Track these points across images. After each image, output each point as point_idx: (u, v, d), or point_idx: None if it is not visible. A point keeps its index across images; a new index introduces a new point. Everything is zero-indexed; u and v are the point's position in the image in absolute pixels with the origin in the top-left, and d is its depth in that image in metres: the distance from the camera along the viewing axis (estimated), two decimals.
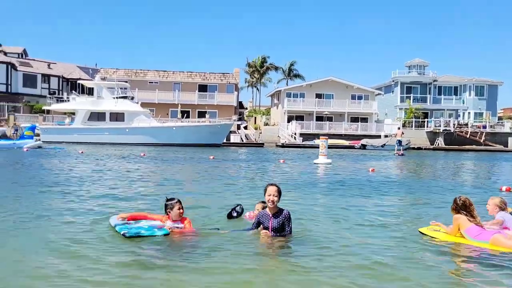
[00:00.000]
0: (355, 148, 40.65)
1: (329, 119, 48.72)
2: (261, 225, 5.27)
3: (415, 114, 49.85)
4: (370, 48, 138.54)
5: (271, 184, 5.21)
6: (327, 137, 21.44)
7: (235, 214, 6.33)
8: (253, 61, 61.60)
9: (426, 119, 49.76)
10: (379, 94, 53.28)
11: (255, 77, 62.12)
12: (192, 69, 55.06)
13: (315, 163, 19.41)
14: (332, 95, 49.55)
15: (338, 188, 10.60)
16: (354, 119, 49.15)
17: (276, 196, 5.10)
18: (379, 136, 44.08)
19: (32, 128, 29.50)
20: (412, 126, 48.03)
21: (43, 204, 7.38)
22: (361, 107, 49.26)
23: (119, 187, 10.03)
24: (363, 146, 41.12)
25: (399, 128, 38.30)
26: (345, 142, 42.50)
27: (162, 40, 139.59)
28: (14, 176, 12.34)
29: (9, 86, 47.46)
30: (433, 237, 5.42)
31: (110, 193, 8.88)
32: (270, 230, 5.14)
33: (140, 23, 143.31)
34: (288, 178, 12.81)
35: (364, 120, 49.27)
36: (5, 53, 50.86)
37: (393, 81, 54.86)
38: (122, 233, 5.16)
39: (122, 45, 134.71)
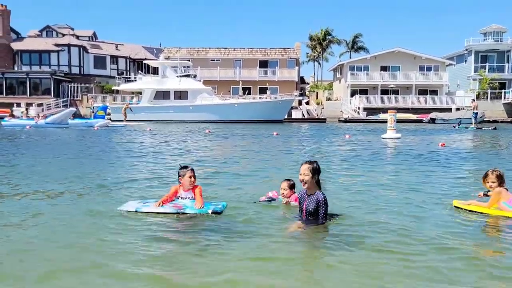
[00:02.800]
0: (423, 122, 38.72)
1: (395, 92, 46.61)
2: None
3: (491, 85, 46.29)
4: (440, 16, 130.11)
5: (305, 162, 4.65)
6: (395, 111, 20.43)
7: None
8: (315, 34, 60.02)
9: (503, 90, 46.02)
10: (450, 64, 49.91)
11: (317, 51, 60.63)
12: (253, 45, 54.88)
13: (382, 138, 18.63)
14: (399, 67, 47.22)
15: (410, 164, 9.99)
16: (423, 92, 46.64)
17: (307, 175, 4.52)
18: (449, 109, 41.60)
19: (104, 108, 30.90)
20: (487, 98, 44.74)
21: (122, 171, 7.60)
22: (430, 78, 46.59)
23: (192, 162, 10.16)
24: (432, 120, 39.04)
25: (473, 100, 35.75)
26: (413, 116, 40.58)
27: (222, 17, 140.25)
28: (87, 149, 12.94)
29: (82, 68, 50.03)
30: (470, 210, 5.16)
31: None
32: (304, 212, 4.66)
33: (200, 1, 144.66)
34: (356, 154, 12.33)
35: (434, 92, 46.61)
36: (77, 37, 53.48)
37: (466, 49, 51.09)
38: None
39: (184, 24, 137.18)
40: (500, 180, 5.08)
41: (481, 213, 5.07)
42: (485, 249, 4.05)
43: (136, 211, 5.06)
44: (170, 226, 4.67)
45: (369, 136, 20.59)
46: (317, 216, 4.55)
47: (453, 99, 44.06)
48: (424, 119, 39.63)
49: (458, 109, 41.51)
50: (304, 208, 4.66)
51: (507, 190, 5.10)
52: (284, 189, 5.53)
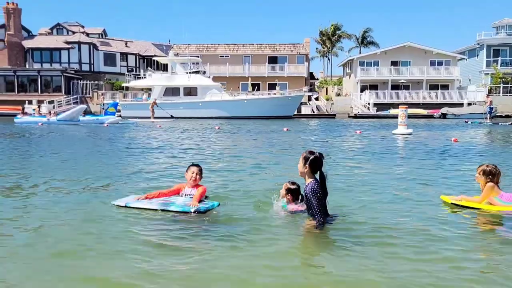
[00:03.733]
0: (434, 118, 38.36)
1: (406, 87, 46.22)
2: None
3: (503, 79, 45.67)
4: (452, 10, 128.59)
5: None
6: (407, 106, 20.24)
7: None
8: (324, 30, 59.69)
9: None
10: (461, 59, 49.34)
11: (326, 46, 60.31)
12: (262, 41, 54.74)
13: (394, 134, 18.49)
14: (409, 62, 46.79)
15: (422, 159, 9.91)
16: (433, 87, 46.20)
17: (299, 163, 4.51)
18: (461, 104, 41.12)
19: (115, 105, 31.09)
20: (499, 93, 44.16)
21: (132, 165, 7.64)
22: (441, 73, 46.11)
23: (203, 158, 10.17)
24: (443, 115, 38.64)
25: (488, 95, 35.25)
26: (423, 111, 40.21)
27: (231, 13, 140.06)
28: (94, 146, 13.02)
29: (92, 65, 50.35)
30: (462, 205, 5.16)
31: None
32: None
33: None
34: (368, 150, 12.25)
35: (445, 87, 46.12)
36: (87, 34, 53.81)
37: (478, 44, 50.45)
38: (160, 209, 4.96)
39: (193, 21, 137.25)
40: (488, 175, 5.09)
41: (474, 208, 5.09)
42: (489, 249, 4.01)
43: (126, 206, 5.09)
44: (169, 222, 4.66)
45: (380, 132, 20.46)
46: (311, 209, 4.40)
47: (464, 94, 43.57)
48: (435, 114, 39.25)
49: (469, 104, 41.02)
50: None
51: (497, 185, 5.12)
52: (285, 189, 5.03)
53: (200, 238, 4.08)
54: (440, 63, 46.88)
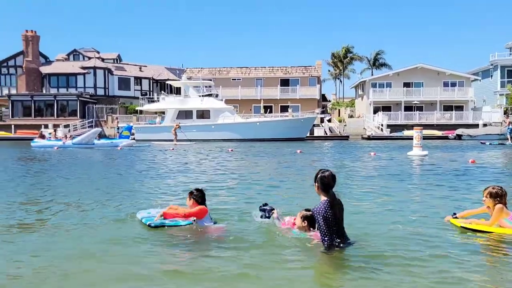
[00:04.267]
0: (449, 139, 37.89)
1: (419, 108, 45.93)
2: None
3: None
4: (463, 31, 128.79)
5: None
6: (422, 127, 20.02)
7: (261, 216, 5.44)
8: (336, 52, 60.11)
9: None
10: (475, 79, 49.02)
11: (338, 68, 60.60)
12: (274, 64, 55.18)
13: (409, 155, 18.26)
14: (422, 83, 46.60)
15: (439, 181, 9.71)
16: (447, 108, 45.81)
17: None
18: (476, 125, 40.63)
19: (129, 128, 31.33)
20: None
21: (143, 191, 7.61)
22: (455, 94, 45.76)
23: (216, 180, 10.12)
24: (459, 136, 38.15)
25: (508, 116, 34.74)
26: (438, 133, 39.77)
27: (243, 37, 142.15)
28: (105, 168, 13.08)
29: (107, 90, 51.20)
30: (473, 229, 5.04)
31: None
32: None
33: (220, 22, 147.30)
34: (383, 172, 12.08)
35: (459, 108, 45.70)
36: (102, 59, 54.94)
37: (491, 64, 50.17)
38: (147, 224, 5.38)
39: (205, 45, 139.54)
40: (496, 197, 5.01)
41: (485, 231, 4.97)
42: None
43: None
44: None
45: (394, 153, 20.21)
46: (319, 230, 4.32)
47: (479, 114, 43.08)
48: (450, 135, 38.78)
49: (485, 125, 40.51)
50: None
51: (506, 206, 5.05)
52: (302, 218, 4.92)
53: (210, 258, 4.00)
54: (453, 84, 46.61)
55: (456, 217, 5.41)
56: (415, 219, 5.80)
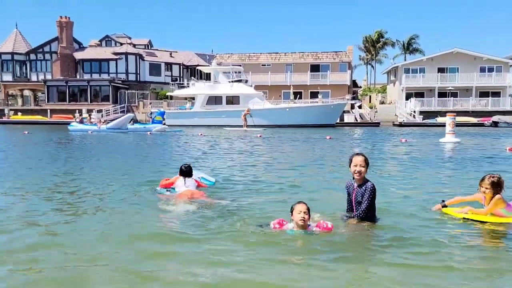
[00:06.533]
0: (485, 126, 36.69)
1: (454, 94, 44.57)
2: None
3: None
4: (502, 14, 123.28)
5: (358, 154, 4.82)
6: (455, 114, 19.47)
7: None
8: (368, 37, 58.81)
9: None
10: None
11: (370, 53, 59.36)
12: (304, 49, 54.57)
13: (441, 142, 17.83)
14: (457, 68, 45.11)
15: (471, 168, 9.46)
16: (483, 94, 44.25)
17: (363, 167, 4.68)
18: None
19: (162, 114, 31.66)
20: None
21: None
22: (492, 80, 44.11)
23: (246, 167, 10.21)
24: (495, 124, 36.88)
25: None
26: (473, 120, 38.59)
27: (274, 22, 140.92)
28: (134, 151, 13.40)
29: (138, 75, 52.04)
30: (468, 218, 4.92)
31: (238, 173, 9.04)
32: (353, 201, 4.80)
33: (250, 7, 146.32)
34: (413, 158, 11.86)
35: (496, 94, 44.07)
36: (134, 45, 55.75)
37: None
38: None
39: (235, 31, 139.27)
40: (496, 187, 4.87)
41: (479, 221, 4.85)
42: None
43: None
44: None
45: (426, 140, 19.78)
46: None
47: None
48: (486, 122, 37.54)
49: None
50: (353, 199, 4.80)
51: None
52: (304, 212, 4.34)
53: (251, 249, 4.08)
54: (490, 69, 44.90)
55: (445, 205, 5.27)
56: (425, 205, 5.71)
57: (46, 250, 3.90)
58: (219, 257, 3.68)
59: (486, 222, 4.80)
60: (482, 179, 5.00)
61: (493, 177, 4.93)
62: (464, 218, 4.97)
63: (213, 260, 3.64)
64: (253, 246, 3.99)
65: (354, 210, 4.79)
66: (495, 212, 4.90)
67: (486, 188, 4.91)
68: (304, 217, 4.27)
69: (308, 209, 4.36)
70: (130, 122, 29.12)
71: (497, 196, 4.86)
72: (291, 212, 4.40)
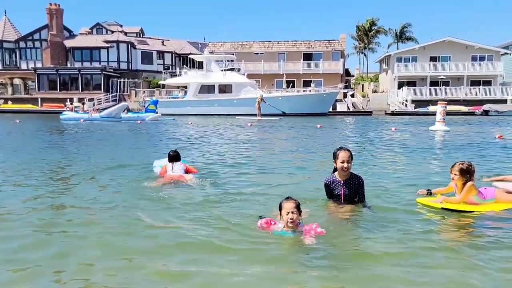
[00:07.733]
0: (476, 115, 36.98)
1: (445, 83, 44.77)
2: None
3: None
4: (493, 3, 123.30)
5: (343, 149, 4.86)
6: (446, 102, 19.61)
7: None
8: (361, 25, 58.63)
9: None
10: (505, 53, 47.24)
11: (363, 42, 59.24)
12: (297, 38, 54.39)
13: (430, 130, 17.97)
14: (449, 57, 45.25)
15: (458, 155, 9.57)
16: (475, 83, 44.50)
17: (350, 163, 4.80)
18: (504, 101, 39.47)
19: (155, 102, 31.37)
20: None
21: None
22: (483, 69, 44.32)
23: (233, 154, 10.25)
24: (486, 112, 37.17)
25: None
26: (464, 108, 38.85)
27: (266, 10, 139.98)
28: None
29: (130, 64, 51.62)
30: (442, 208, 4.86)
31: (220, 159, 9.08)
32: (342, 197, 4.86)
33: None
34: (401, 146, 11.98)
35: (487, 83, 44.33)
36: (125, 33, 55.18)
37: None
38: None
39: (228, 19, 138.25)
40: (465, 174, 4.88)
41: (459, 211, 4.79)
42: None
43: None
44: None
45: (416, 128, 19.93)
46: (354, 198, 4.92)
47: (508, 90, 41.71)
48: (477, 111, 37.82)
49: None
50: (342, 194, 4.88)
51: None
52: (292, 212, 3.92)
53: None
54: (482, 58, 45.10)
55: (430, 193, 5.26)
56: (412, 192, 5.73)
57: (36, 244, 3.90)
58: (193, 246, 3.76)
59: (460, 211, 4.77)
60: (452, 166, 5.02)
61: (462, 164, 4.94)
62: (442, 208, 4.92)
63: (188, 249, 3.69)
64: (234, 243, 3.82)
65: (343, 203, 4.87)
66: (468, 200, 4.92)
67: (455, 175, 4.92)
68: (292, 218, 3.87)
69: (298, 206, 3.95)
70: (124, 111, 28.90)
71: (469, 183, 4.86)
72: (280, 210, 4.00)
